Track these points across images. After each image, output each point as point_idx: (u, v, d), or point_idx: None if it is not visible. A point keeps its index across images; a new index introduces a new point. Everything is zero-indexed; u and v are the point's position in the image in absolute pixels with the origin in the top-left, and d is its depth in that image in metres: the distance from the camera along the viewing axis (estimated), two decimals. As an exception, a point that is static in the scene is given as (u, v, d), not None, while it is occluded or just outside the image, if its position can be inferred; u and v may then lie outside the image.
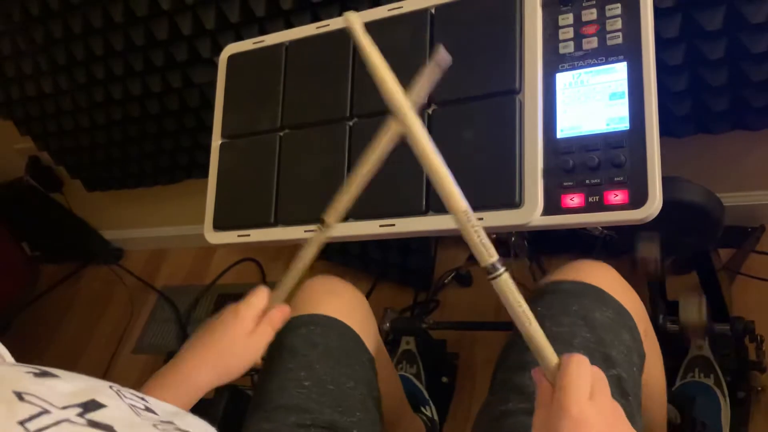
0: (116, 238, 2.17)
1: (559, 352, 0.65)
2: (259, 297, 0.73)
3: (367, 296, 1.54)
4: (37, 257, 2.20)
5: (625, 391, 0.65)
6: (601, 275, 0.74)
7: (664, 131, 1.20)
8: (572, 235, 1.41)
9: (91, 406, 0.36)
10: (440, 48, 0.55)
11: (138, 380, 0.77)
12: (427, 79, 0.57)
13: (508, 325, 1.36)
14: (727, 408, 1.06)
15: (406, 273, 1.57)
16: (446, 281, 1.57)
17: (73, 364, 1.64)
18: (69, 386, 0.37)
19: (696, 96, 1.12)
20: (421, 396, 1.26)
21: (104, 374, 1.83)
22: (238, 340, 0.70)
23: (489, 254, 0.52)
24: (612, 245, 1.32)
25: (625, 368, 0.67)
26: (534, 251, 1.29)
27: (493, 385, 0.74)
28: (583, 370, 0.51)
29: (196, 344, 0.71)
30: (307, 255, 0.70)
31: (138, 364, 1.83)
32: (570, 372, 0.50)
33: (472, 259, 1.47)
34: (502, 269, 0.52)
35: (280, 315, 0.73)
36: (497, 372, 0.74)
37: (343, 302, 0.84)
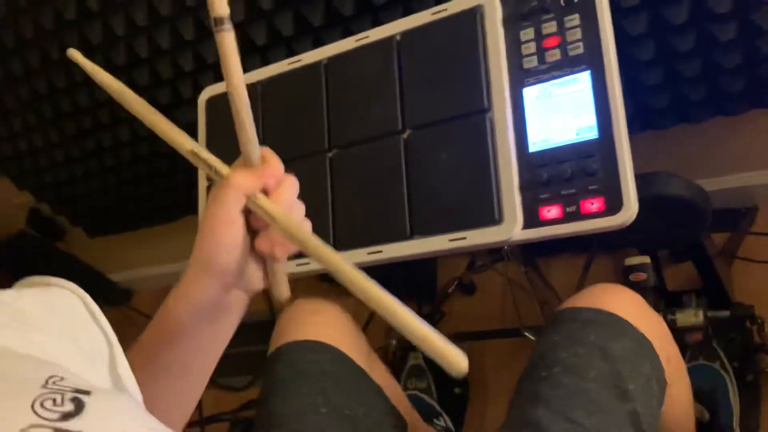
0: (124, 280, 2.19)
1: (574, 384, 0.65)
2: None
3: (372, 313, 1.55)
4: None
5: (640, 427, 0.64)
6: (620, 302, 0.72)
7: (646, 125, 1.22)
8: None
9: None
10: None
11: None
12: None
13: (516, 332, 1.37)
14: (735, 391, 1.06)
15: (409, 286, 1.58)
16: (450, 291, 1.58)
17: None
18: None
19: (673, 88, 1.13)
20: (433, 410, 1.27)
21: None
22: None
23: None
24: (607, 242, 1.33)
25: (643, 401, 0.65)
26: (529, 254, 1.30)
27: (509, 416, 0.71)
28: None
29: None
30: (233, 64, 0.53)
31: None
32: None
33: (471, 266, 1.49)
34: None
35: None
36: (514, 400, 0.71)
37: (329, 323, 0.84)
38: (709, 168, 1.30)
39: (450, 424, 1.30)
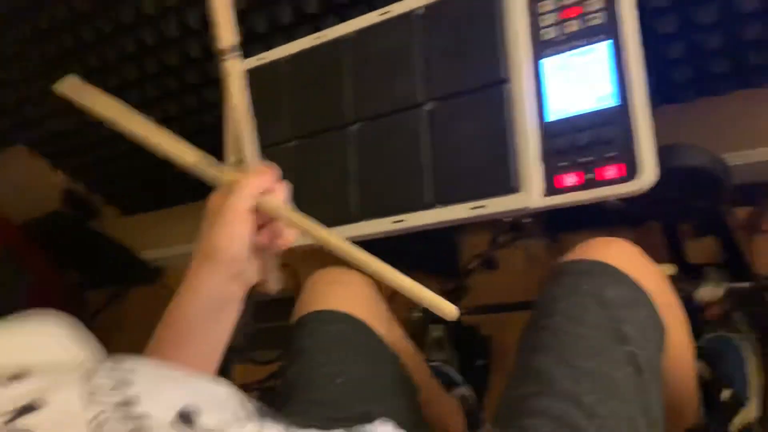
0: (155, 257, 2.25)
1: (573, 330, 0.68)
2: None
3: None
4: (82, 284, 2.30)
5: (639, 368, 0.66)
6: (615, 252, 0.74)
7: (668, 99, 1.22)
8: (586, 211, 1.43)
9: (28, 408, 0.35)
10: None
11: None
12: None
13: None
14: (752, 362, 1.07)
15: (431, 262, 1.60)
16: (472, 267, 1.60)
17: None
18: (24, 388, 0.36)
19: (695, 61, 1.13)
20: (452, 379, 1.30)
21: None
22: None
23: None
24: (630, 216, 1.34)
25: (640, 344, 0.67)
26: (551, 230, 1.32)
27: (514, 368, 0.74)
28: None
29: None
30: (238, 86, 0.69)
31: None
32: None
33: (494, 243, 1.51)
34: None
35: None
36: (517, 353, 0.74)
37: (349, 292, 0.86)
38: (733, 142, 1.30)
39: (470, 393, 1.32)
